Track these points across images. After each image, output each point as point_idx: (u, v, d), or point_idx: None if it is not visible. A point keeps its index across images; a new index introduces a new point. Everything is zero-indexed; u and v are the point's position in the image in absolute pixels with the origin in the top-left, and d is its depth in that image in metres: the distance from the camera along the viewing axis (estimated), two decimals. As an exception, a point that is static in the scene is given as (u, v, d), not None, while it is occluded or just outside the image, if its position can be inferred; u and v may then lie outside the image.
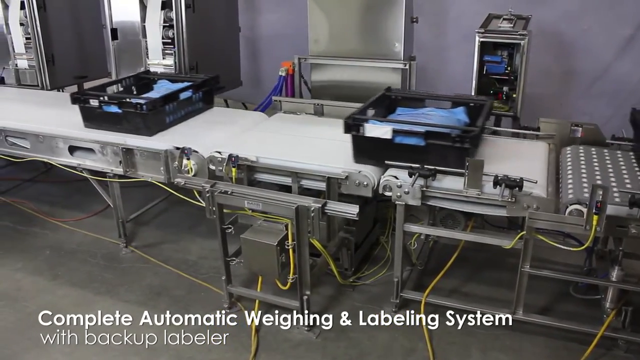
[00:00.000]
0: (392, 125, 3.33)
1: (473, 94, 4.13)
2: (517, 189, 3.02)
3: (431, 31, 5.39)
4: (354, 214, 3.13)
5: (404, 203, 3.32)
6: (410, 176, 3.23)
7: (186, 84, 4.46)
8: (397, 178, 3.29)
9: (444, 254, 4.16)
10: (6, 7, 5.66)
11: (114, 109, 4.07)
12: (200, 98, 4.48)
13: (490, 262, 4.16)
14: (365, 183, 3.36)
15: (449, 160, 3.19)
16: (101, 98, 4.14)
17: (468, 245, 3.87)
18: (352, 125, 3.36)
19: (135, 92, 4.58)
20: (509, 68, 4.13)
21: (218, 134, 4.13)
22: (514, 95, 4.11)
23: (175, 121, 4.27)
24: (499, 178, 3.04)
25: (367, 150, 3.40)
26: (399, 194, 3.30)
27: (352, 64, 4.47)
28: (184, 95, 4.31)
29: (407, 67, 4.35)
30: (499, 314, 3.40)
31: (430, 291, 3.62)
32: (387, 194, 3.33)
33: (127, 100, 4.11)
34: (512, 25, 4.13)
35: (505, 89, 4.19)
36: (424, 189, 3.24)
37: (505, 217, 3.53)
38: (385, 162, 3.35)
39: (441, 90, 5.35)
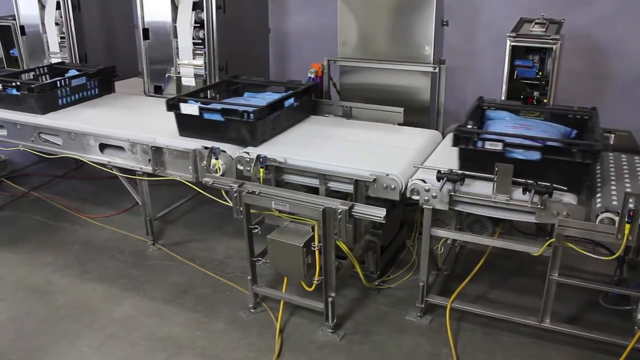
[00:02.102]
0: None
1: (503, 98, 4.08)
2: (546, 195, 2.98)
3: (461, 35, 5.34)
4: (381, 217, 3.12)
5: (431, 207, 3.30)
6: (438, 180, 3.21)
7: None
8: (424, 182, 3.28)
9: (470, 259, 4.13)
10: (43, 7, 5.78)
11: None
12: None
13: (518, 269, 4.11)
14: (392, 186, 3.34)
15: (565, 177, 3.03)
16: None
17: (495, 251, 3.83)
18: (461, 139, 3.20)
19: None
20: (540, 73, 4.07)
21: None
22: (545, 101, 4.06)
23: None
24: (529, 184, 3.01)
25: (475, 162, 3.21)
26: (426, 197, 3.28)
27: (381, 66, 4.45)
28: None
29: (437, 70, 4.32)
30: (525, 322, 3.36)
31: (456, 297, 3.58)
32: (415, 197, 3.32)
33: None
34: (544, 29, 4.07)
35: (536, 94, 4.12)
36: (452, 193, 3.21)
37: (534, 224, 3.49)
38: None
39: (469, 94, 5.34)
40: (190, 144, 3.93)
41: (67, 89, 4.93)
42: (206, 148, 3.81)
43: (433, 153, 3.77)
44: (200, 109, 3.90)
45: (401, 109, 4.21)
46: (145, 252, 4.57)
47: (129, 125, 4.45)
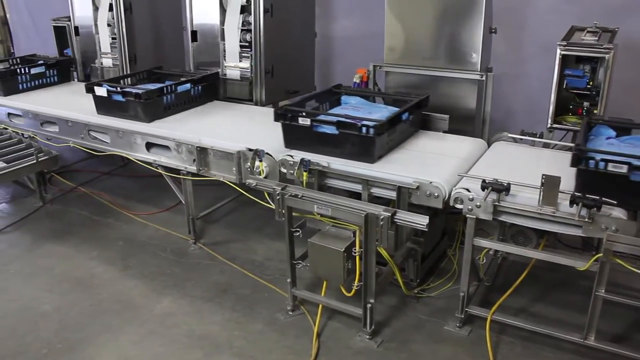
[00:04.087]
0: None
1: (551, 108, 4.00)
2: (595, 209, 2.91)
3: (509, 42, 5.26)
4: (423, 225, 3.10)
5: (474, 217, 3.25)
6: (483, 189, 3.17)
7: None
8: (469, 191, 3.24)
9: (512, 271, 4.06)
10: (96, 9, 5.95)
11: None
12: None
13: (562, 283, 4.02)
14: (436, 194, 3.31)
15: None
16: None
17: (538, 263, 3.74)
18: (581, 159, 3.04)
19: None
20: (591, 83, 3.98)
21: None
22: (595, 112, 3.96)
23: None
24: (577, 196, 2.94)
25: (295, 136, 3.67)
26: (470, 207, 3.24)
27: (427, 73, 4.41)
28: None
29: (484, 78, 4.26)
30: (568, 338, 3.28)
31: (497, 308, 3.52)
32: (458, 206, 3.28)
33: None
34: (596, 38, 3.97)
35: (585, 104, 4.03)
36: (497, 203, 3.17)
37: (580, 237, 3.40)
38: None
39: (515, 103, 5.26)
40: (234, 145, 3.97)
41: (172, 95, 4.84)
42: (250, 150, 3.84)
43: (478, 162, 3.72)
44: (312, 121, 3.62)
45: (446, 116, 4.16)
46: (186, 251, 4.64)
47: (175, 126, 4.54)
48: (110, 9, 5.80)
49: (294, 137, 3.82)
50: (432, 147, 3.92)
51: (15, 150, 5.13)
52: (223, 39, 5.17)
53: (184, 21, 5.64)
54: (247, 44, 5.05)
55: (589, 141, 3.47)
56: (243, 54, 5.12)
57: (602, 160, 2.97)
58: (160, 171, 4.55)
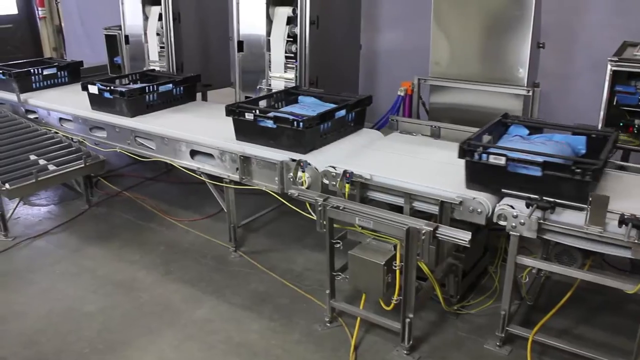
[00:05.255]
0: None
1: (600, 125, 3.92)
2: (646, 230, 2.82)
3: (557, 57, 5.17)
4: (466, 241, 3.06)
5: (518, 234, 3.19)
6: (528, 207, 3.11)
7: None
8: (513, 207, 3.18)
9: (555, 291, 3.96)
10: (146, 18, 6.12)
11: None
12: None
13: (608, 305, 3.90)
14: (479, 210, 3.27)
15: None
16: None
17: (583, 284, 3.64)
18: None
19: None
20: (643, 100, 3.89)
21: (333, 149, 4.19)
22: (646, 130, 3.86)
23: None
24: (626, 217, 2.86)
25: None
26: (514, 224, 3.18)
27: (473, 87, 4.38)
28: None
29: (530, 93, 4.20)
30: (615, 363, 3.19)
31: (539, 329, 3.44)
32: (502, 223, 3.22)
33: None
34: (650, 54, 3.89)
35: (637, 122, 3.94)
36: (541, 221, 3.10)
37: (628, 259, 3.30)
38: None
39: (564, 120, 5.13)
40: (278, 155, 4.01)
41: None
42: (293, 160, 3.87)
43: (523, 179, 3.65)
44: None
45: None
46: (226, 258, 4.68)
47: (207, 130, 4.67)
48: (160, 18, 5.96)
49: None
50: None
51: (65, 154, 5.27)
52: (269, 49, 5.24)
53: (230, 31, 5.73)
54: (292, 54, 5.11)
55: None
56: (288, 65, 5.17)
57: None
58: (203, 178, 4.62)
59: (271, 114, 4.07)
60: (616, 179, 3.50)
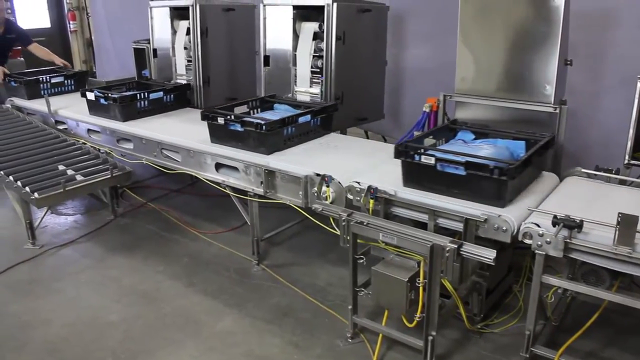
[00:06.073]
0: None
1: (629, 144, 3.85)
2: (677, 252, 2.77)
3: (585, 74, 5.10)
4: (490, 260, 3.03)
5: (544, 253, 3.15)
6: (554, 225, 3.07)
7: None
8: (539, 226, 3.14)
9: (582, 312, 3.89)
10: (174, 32, 6.21)
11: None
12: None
13: (637, 328, 3.82)
14: (504, 228, 3.23)
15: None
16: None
17: (611, 306, 3.56)
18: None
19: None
20: (674, 119, 3.82)
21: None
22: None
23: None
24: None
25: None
26: (539, 242, 3.13)
27: (499, 104, 4.34)
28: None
29: (557, 111, 4.16)
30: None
31: (565, 350, 3.37)
32: (527, 241, 3.18)
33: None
34: (682, 74, 3.82)
35: (668, 141, 3.86)
36: (568, 240, 3.06)
37: (659, 281, 3.25)
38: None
39: (593, 138, 5.07)
40: (302, 170, 4.03)
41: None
42: (318, 175, 3.88)
43: (549, 197, 3.61)
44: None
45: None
46: (249, 271, 4.70)
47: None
48: (188, 33, 6.05)
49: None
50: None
51: (92, 165, 5.36)
52: (295, 64, 5.28)
53: (257, 46, 5.79)
54: (318, 69, 5.14)
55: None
56: (314, 80, 5.21)
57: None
58: (227, 191, 4.65)
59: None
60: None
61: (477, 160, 3.38)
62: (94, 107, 5.78)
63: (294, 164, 4.17)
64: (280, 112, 5.00)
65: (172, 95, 6.00)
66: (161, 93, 5.90)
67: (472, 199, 3.39)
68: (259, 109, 5.12)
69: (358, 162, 4.23)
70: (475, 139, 4.08)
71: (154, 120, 5.66)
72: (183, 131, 5.16)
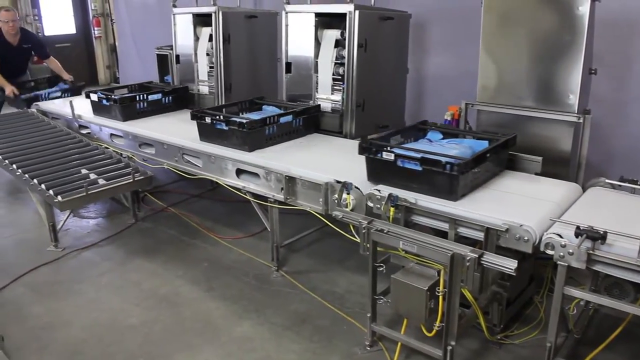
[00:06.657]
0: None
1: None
2: None
3: (610, 84, 5.04)
4: (512, 270, 2.99)
5: (566, 264, 3.11)
6: (577, 236, 3.02)
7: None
8: (561, 237, 3.10)
9: (605, 325, 3.83)
10: (197, 39, 6.27)
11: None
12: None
13: (661, 342, 3.76)
14: (525, 238, 3.20)
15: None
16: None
17: (635, 319, 3.51)
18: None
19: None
20: (700, 129, 3.77)
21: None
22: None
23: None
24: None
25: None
26: (562, 253, 3.09)
27: (521, 113, 4.30)
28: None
29: (581, 120, 4.11)
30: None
31: (587, 363, 3.34)
32: (549, 252, 3.14)
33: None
34: None
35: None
36: (591, 251, 3.01)
37: (685, 295, 3.18)
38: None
39: (617, 148, 5.00)
40: (323, 177, 4.03)
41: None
42: (338, 182, 3.88)
43: (572, 207, 3.57)
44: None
45: (539, 158, 4.03)
46: (268, 277, 4.71)
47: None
48: (210, 39, 6.10)
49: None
50: (523, 189, 3.81)
51: (114, 169, 5.43)
52: (316, 71, 5.30)
53: (279, 53, 5.82)
54: (339, 77, 5.15)
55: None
56: (335, 87, 5.21)
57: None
58: (248, 197, 4.67)
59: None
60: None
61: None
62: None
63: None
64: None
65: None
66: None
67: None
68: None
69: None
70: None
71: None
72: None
